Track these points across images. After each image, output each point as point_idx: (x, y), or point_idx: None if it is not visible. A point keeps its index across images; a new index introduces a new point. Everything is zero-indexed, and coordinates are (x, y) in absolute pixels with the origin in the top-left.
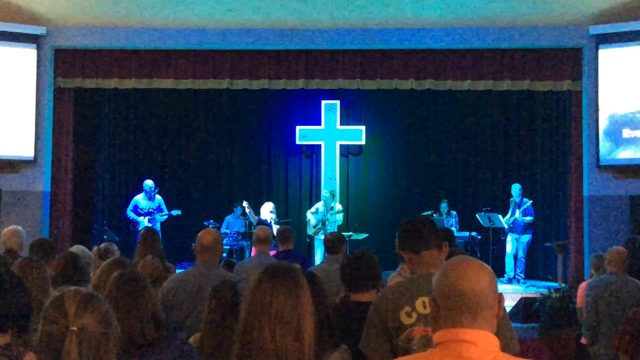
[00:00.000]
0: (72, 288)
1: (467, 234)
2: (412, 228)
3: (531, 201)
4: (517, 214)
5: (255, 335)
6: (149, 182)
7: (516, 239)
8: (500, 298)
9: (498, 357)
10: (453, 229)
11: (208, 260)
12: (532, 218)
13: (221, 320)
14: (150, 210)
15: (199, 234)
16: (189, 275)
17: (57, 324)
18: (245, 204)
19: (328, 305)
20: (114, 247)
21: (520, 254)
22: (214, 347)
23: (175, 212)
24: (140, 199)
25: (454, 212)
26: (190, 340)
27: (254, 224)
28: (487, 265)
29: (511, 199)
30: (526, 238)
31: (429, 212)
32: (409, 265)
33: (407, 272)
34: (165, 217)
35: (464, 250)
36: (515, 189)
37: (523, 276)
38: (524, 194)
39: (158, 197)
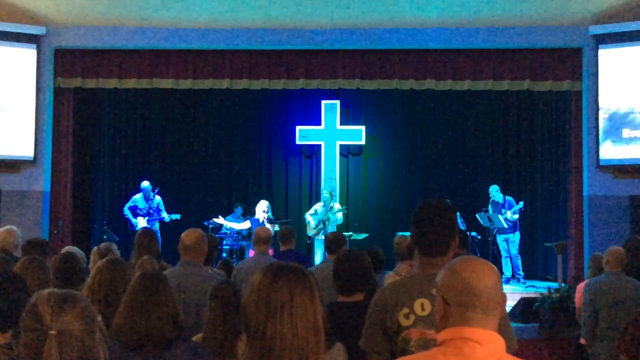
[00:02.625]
0: (46, 291)
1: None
2: (433, 232)
3: (513, 200)
4: (509, 214)
5: (277, 333)
6: (145, 184)
7: (505, 240)
8: (504, 298)
9: (503, 359)
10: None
11: (190, 259)
12: (518, 215)
13: (223, 320)
14: (149, 211)
15: (182, 234)
16: (170, 274)
17: (35, 332)
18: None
19: (324, 305)
20: (114, 246)
21: (514, 252)
22: (216, 347)
23: (174, 217)
24: (138, 199)
25: (457, 213)
26: (197, 337)
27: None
28: (492, 264)
29: (491, 200)
30: (516, 237)
31: None
32: (418, 263)
33: (404, 272)
34: (169, 219)
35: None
36: (494, 190)
37: (522, 274)
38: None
39: (157, 197)
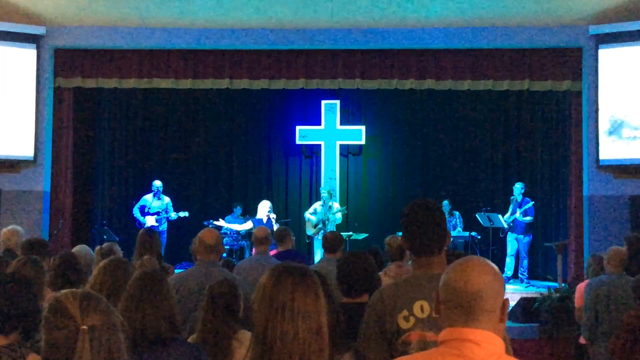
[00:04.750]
0: (67, 290)
1: (467, 234)
2: (425, 232)
3: (533, 202)
4: (518, 213)
5: (277, 334)
6: (157, 183)
7: (516, 239)
8: (505, 303)
9: (501, 359)
10: (458, 229)
11: (210, 259)
12: (531, 219)
13: (215, 319)
14: (158, 210)
15: (200, 234)
16: (191, 274)
17: (66, 328)
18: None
19: (337, 306)
20: (117, 247)
21: (522, 253)
22: (209, 346)
23: (183, 214)
24: (149, 198)
25: (457, 213)
26: (188, 340)
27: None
28: (493, 268)
29: (512, 197)
30: (526, 239)
31: None
32: (413, 264)
33: (393, 273)
34: (176, 217)
35: (464, 251)
36: (518, 187)
37: (527, 275)
38: (525, 194)
39: (166, 197)
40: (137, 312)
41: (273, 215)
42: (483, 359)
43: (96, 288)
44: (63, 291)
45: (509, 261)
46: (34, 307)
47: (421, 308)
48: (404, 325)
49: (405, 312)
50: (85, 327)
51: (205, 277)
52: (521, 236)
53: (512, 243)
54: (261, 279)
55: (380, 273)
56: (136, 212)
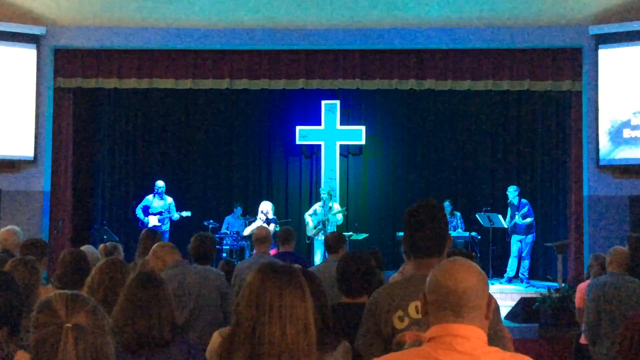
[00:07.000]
0: (57, 292)
1: (467, 234)
2: (427, 233)
3: (528, 203)
4: (517, 217)
5: (265, 334)
6: (159, 183)
7: (519, 240)
8: (489, 301)
9: (490, 351)
10: (459, 230)
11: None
12: (532, 219)
13: None
14: (160, 210)
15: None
16: (190, 274)
17: (50, 326)
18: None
19: (327, 305)
20: (120, 247)
21: (524, 253)
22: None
23: (185, 213)
24: (151, 198)
25: (457, 213)
26: (220, 332)
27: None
28: (477, 268)
29: (508, 201)
30: (530, 238)
31: None
32: (413, 266)
33: (407, 272)
34: (178, 217)
35: (465, 250)
36: (512, 191)
37: (527, 275)
38: (525, 194)
39: (169, 198)
40: (142, 317)
41: (263, 217)
42: (473, 351)
43: (94, 288)
44: (55, 292)
45: (512, 262)
46: (20, 304)
47: (416, 309)
48: (398, 325)
49: (400, 313)
50: (69, 324)
51: (203, 277)
52: (524, 236)
53: (516, 245)
54: (247, 279)
55: (395, 274)
56: (139, 212)
